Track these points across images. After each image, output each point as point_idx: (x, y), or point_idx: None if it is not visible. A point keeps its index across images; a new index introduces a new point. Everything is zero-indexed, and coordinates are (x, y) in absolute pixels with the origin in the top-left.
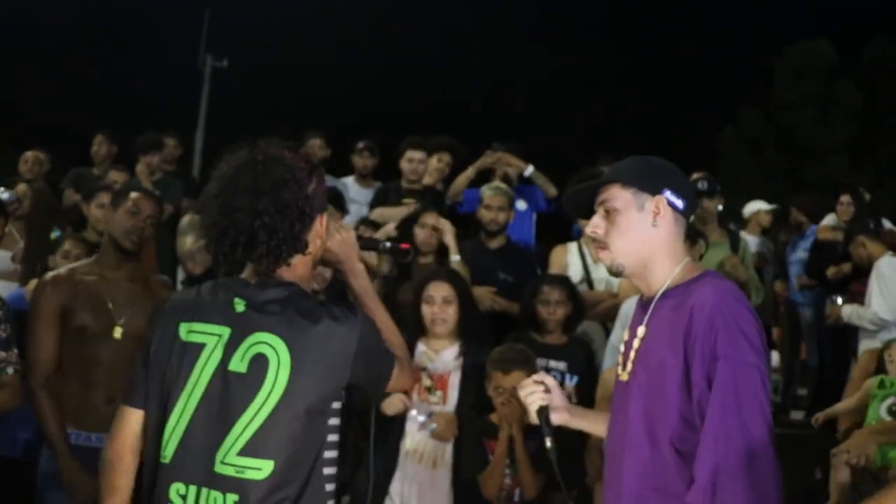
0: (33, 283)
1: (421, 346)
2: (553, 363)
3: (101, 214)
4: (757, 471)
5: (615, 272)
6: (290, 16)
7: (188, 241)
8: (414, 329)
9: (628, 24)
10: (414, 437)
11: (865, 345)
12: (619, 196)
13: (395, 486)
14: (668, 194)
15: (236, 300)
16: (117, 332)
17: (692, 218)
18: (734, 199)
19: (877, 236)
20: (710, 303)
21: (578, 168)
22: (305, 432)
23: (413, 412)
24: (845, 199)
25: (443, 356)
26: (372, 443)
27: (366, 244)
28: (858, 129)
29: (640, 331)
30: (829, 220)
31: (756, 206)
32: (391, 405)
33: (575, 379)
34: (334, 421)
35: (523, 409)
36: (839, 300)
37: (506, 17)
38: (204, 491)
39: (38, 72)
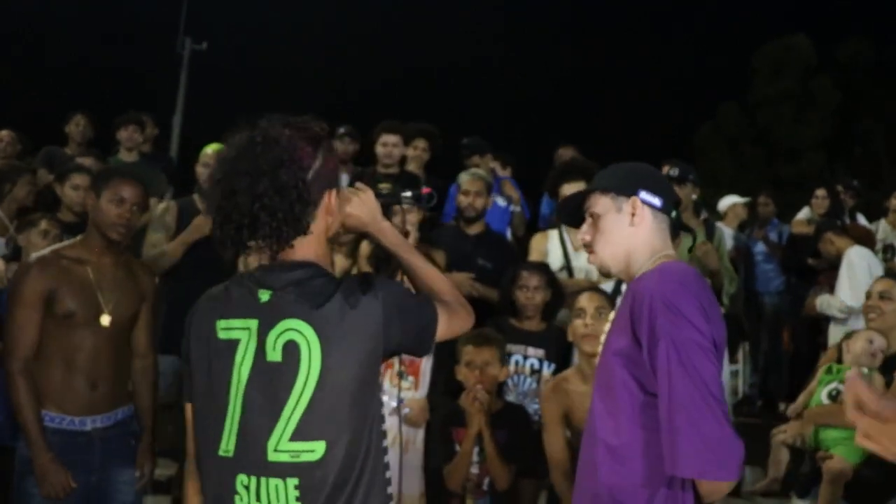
0: None
1: None
2: (531, 350)
3: (75, 196)
4: (712, 436)
5: (604, 273)
6: None
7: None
8: None
9: (607, 20)
10: (385, 421)
11: (833, 333)
12: (600, 201)
13: None
14: (643, 194)
15: (260, 291)
16: (104, 320)
17: (675, 214)
18: (712, 195)
19: (844, 232)
20: (650, 288)
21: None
22: (352, 409)
23: (384, 397)
24: (820, 192)
25: None
26: None
27: (386, 199)
28: (834, 128)
29: (611, 316)
30: (804, 213)
31: (732, 200)
32: None
33: (553, 366)
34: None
35: (489, 401)
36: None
37: (483, 6)
38: (263, 480)
39: (13, 55)
